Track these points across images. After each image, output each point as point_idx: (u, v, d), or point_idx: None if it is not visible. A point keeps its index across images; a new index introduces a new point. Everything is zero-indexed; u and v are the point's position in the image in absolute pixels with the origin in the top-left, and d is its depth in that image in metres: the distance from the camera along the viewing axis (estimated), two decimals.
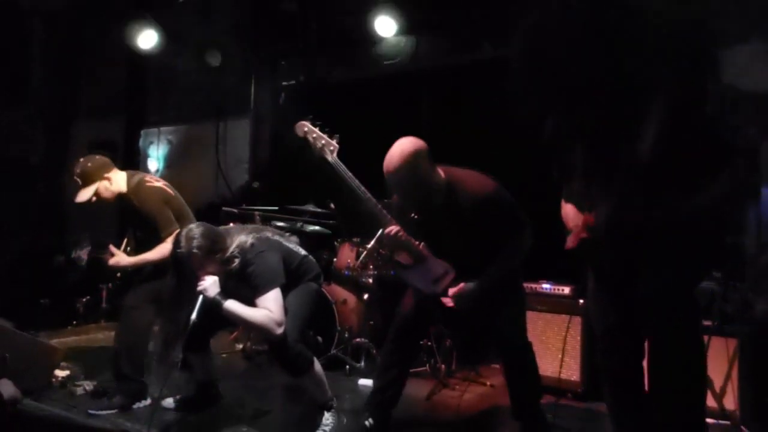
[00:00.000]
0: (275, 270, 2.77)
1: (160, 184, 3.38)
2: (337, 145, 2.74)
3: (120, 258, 3.22)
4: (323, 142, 2.72)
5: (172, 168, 6.74)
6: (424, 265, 2.76)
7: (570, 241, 2.23)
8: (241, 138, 6.38)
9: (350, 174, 2.72)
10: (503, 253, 2.64)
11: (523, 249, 2.68)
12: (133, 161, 6.72)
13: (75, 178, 3.26)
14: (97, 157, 3.32)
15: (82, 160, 3.28)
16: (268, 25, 5.82)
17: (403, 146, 2.61)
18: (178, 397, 3.25)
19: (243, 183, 6.21)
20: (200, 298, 2.63)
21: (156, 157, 6.83)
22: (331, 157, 2.73)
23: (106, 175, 3.25)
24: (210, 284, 2.66)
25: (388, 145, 5.15)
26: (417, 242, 2.74)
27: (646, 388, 2.09)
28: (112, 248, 3.25)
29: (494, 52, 4.86)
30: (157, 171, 6.75)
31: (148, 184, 3.30)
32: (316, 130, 2.72)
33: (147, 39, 5.75)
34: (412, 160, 2.56)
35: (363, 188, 2.72)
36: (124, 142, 6.95)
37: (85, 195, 3.23)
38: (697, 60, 2.07)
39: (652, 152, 1.92)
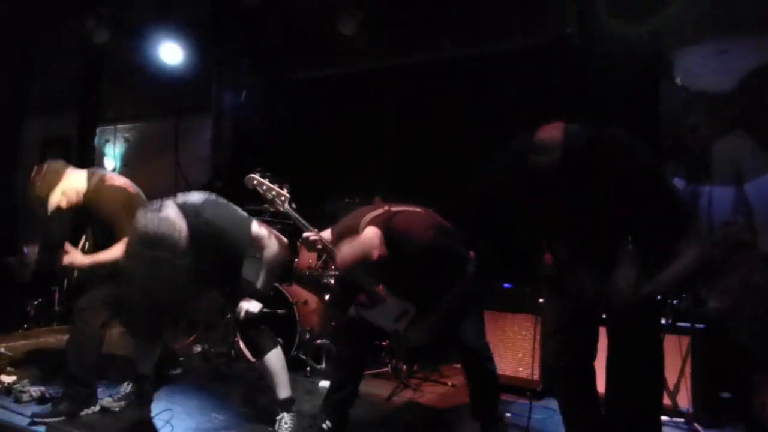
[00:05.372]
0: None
1: (121, 182, 3.27)
2: (287, 195, 2.75)
3: (75, 257, 3.11)
4: (274, 193, 2.73)
5: (129, 167, 6.55)
6: (384, 306, 2.83)
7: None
8: (202, 136, 6.25)
9: (303, 221, 2.77)
10: (450, 294, 2.73)
11: (468, 285, 2.78)
12: (87, 159, 6.50)
13: (37, 194, 3.11)
14: (48, 163, 3.20)
15: (35, 172, 3.14)
16: (229, 21, 5.70)
17: (356, 249, 2.63)
18: (115, 396, 3.20)
19: (204, 182, 6.06)
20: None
21: (112, 156, 6.62)
22: (283, 207, 2.75)
23: (64, 174, 3.15)
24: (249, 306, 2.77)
25: (352, 143, 5.15)
26: (376, 285, 2.82)
27: (599, 386, 2.11)
28: (68, 246, 3.13)
29: (454, 51, 4.88)
30: (114, 170, 6.55)
31: (108, 183, 3.20)
32: (266, 181, 2.73)
33: (102, 33, 5.57)
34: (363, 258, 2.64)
35: (320, 236, 2.78)
36: (78, 138, 6.72)
37: (54, 201, 3.11)
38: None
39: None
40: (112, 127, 6.67)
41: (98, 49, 6.12)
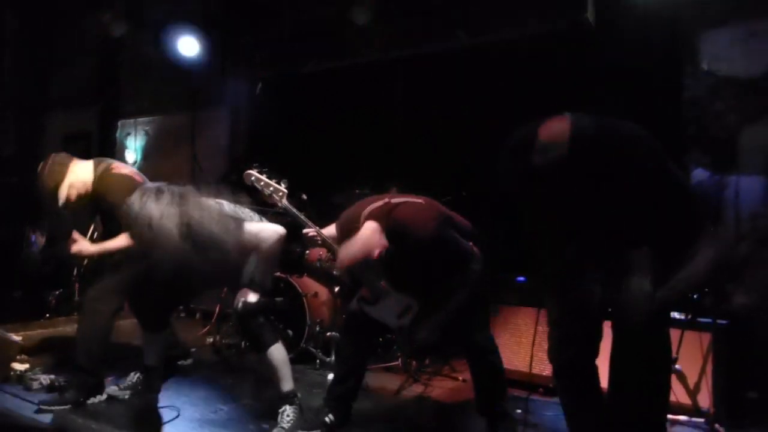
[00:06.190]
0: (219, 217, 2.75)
1: (127, 171, 3.30)
2: (285, 191, 2.79)
3: (82, 245, 3.13)
4: (272, 189, 2.76)
5: (149, 159, 6.61)
6: (387, 301, 2.78)
7: None
8: (219, 129, 6.26)
9: (302, 216, 2.78)
10: (457, 290, 2.63)
11: (475, 279, 2.67)
12: (108, 152, 6.58)
13: (45, 186, 3.14)
14: (53, 157, 3.22)
15: (41, 167, 3.18)
16: (242, 14, 5.68)
17: (356, 249, 2.54)
18: (122, 385, 3.21)
19: (221, 174, 6.08)
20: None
21: (133, 149, 6.69)
22: (281, 203, 2.78)
23: (70, 167, 3.17)
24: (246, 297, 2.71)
25: (364, 134, 5.09)
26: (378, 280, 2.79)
27: (602, 383, 2.01)
28: (76, 235, 3.15)
29: (469, 41, 4.75)
30: (135, 162, 6.62)
31: (114, 171, 3.22)
32: (264, 177, 2.76)
33: (119, 27, 5.62)
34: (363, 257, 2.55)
35: (319, 232, 2.78)
36: (99, 132, 6.81)
37: (63, 194, 3.14)
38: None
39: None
40: (133, 120, 6.73)
41: (116, 44, 6.19)
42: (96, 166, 3.24)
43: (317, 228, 2.77)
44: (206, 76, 5.94)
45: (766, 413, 3.10)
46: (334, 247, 2.82)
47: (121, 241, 3.06)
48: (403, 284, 2.76)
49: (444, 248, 2.61)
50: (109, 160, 3.36)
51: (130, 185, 3.12)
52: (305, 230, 2.76)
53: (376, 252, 2.52)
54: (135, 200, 2.48)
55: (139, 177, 3.28)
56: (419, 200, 2.75)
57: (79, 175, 3.18)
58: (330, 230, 2.88)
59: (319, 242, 2.82)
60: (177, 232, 2.47)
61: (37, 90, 7.03)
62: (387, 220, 2.59)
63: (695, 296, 3.18)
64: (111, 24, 5.58)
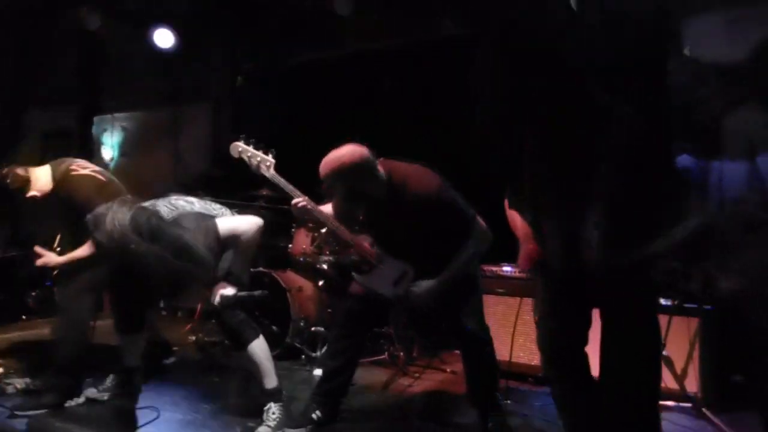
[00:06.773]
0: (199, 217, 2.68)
1: (88, 171, 3.14)
2: (272, 160, 2.77)
3: (48, 258, 3.02)
4: (258, 159, 2.74)
5: (127, 156, 6.47)
6: (381, 269, 2.72)
7: (522, 264, 2.15)
8: (201, 123, 6.15)
9: (291, 187, 2.73)
10: (460, 254, 2.56)
11: (480, 247, 2.60)
12: (87, 149, 6.43)
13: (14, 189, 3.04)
14: (8, 171, 3.05)
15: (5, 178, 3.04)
16: (224, 7, 5.58)
17: (342, 154, 2.48)
18: (101, 387, 3.15)
19: (203, 170, 5.98)
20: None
21: (110, 145, 6.55)
22: (269, 172, 2.74)
23: (29, 177, 3.03)
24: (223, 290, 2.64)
25: (351, 126, 5.01)
26: (370, 247, 2.73)
27: (593, 372, 1.97)
28: (38, 249, 3.04)
29: (455, 30, 4.70)
30: (112, 159, 6.49)
31: (74, 173, 3.07)
32: (250, 148, 2.75)
33: (98, 21, 5.49)
34: (350, 168, 2.45)
35: (309, 201, 2.71)
36: (79, 129, 6.65)
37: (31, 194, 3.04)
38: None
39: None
40: (110, 116, 6.59)
41: (96, 38, 6.04)
42: (55, 169, 3.08)
43: (308, 198, 2.68)
44: (188, 69, 5.83)
45: (752, 397, 3.10)
46: (326, 221, 2.73)
47: (87, 249, 2.99)
48: (399, 249, 2.67)
49: (446, 209, 2.52)
50: (70, 160, 3.18)
51: (92, 185, 3.05)
52: (295, 201, 2.66)
53: (379, 185, 2.45)
54: (101, 210, 2.42)
55: (103, 176, 3.15)
56: (416, 164, 2.64)
57: (38, 183, 3.04)
58: (328, 208, 2.77)
59: (309, 207, 2.69)
60: (144, 237, 2.39)
61: (17, 86, 6.82)
62: (387, 173, 2.52)
63: (683, 283, 3.16)
64: (91, 17, 5.43)
